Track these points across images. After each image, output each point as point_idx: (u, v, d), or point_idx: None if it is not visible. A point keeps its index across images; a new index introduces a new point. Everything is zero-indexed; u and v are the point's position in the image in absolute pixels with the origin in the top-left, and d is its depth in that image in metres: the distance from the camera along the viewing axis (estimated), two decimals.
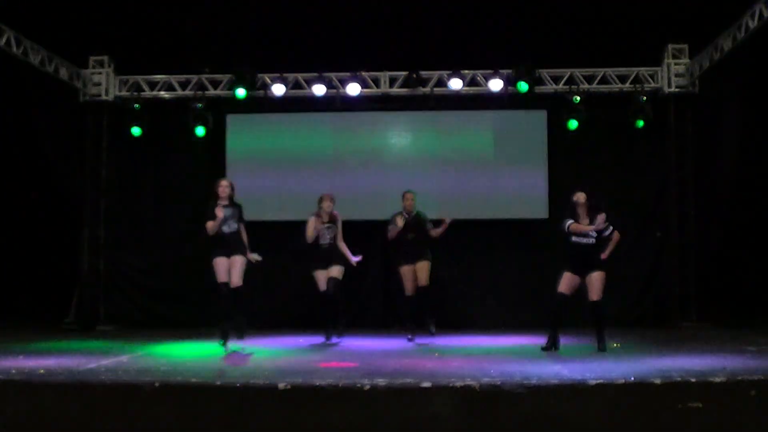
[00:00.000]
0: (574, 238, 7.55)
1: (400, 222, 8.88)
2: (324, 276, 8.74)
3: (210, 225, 8.16)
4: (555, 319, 7.64)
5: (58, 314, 10.99)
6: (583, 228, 7.51)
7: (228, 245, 8.16)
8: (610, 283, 10.54)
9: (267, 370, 6.06)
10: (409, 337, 8.79)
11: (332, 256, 8.76)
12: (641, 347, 7.63)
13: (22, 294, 13.39)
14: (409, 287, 8.97)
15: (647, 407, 4.63)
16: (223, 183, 8.40)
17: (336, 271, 8.75)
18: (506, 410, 4.61)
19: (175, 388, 4.80)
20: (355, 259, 8.91)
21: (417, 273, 8.91)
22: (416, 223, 9.01)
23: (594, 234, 7.49)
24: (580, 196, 7.60)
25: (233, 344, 8.01)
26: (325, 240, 8.78)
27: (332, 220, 8.83)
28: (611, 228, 7.54)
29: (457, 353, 7.44)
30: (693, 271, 11.00)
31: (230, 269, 8.15)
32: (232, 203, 8.31)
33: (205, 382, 4.91)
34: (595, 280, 7.46)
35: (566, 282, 7.56)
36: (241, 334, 8.10)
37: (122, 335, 9.89)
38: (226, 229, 8.18)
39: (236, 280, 8.12)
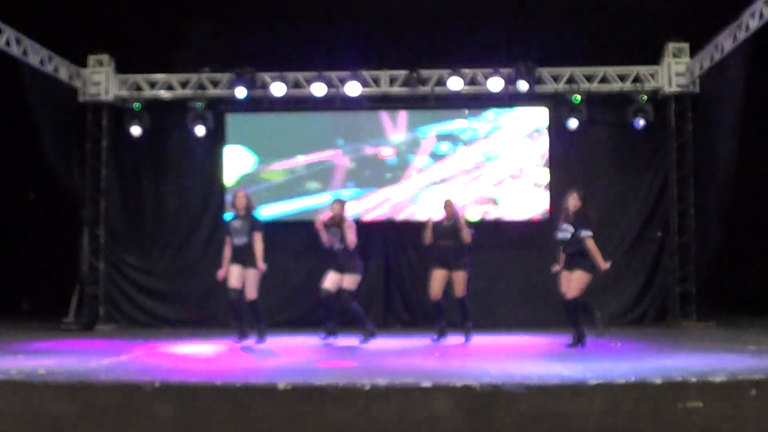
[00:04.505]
0: (558, 236, 7.70)
1: (427, 232, 8.91)
2: (332, 276, 8.65)
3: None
4: (570, 318, 7.75)
5: (57, 314, 10.98)
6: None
7: (239, 256, 8.31)
8: (610, 282, 10.69)
9: (267, 369, 6.06)
10: (435, 337, 8.76)
11: (342, 260, 8.62)
12: (642, 346, 7.63)
13: (22, 293, 13.41)
14: (434, 291, 8.80)
15: (647, 407, 4.63)
16: (238, 194, 8.54)
17: (348, 281, 8.59)
18: (506, 410, 4.61)
19: (175, 387, 4.80)
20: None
21: (453, 283, 8.83)
22: (454, 229, 8.84)
23: (570, 229, 7.55)
24: (573, 200, 7.65)
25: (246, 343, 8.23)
26: (335, 244, 8.67)
27: (338, 223, 8.67)
28: (588, 231, 7.52)
29: (458, 353, 7.44)
30: (693, 270, 11.00)
31: (244, 282, 8.31)
32: (248, 215, 8.39)
33: (205, 381, 4.91)
34: (574, 279, 7.57)
35: (563, 282, 7.74)
36: (262, 338, 8.39)
37: (122, 335, 9.89)
38: (237, 241, 8.33)
39: (250, 293, 8.31)
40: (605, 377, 4.86)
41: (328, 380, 4.80)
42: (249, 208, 8.44)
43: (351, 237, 8.56)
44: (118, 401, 4.74)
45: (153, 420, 4.68)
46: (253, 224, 8.38)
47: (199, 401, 4.71)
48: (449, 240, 8.82)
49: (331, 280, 8.62)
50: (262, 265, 8.27)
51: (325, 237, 8.68)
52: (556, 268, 7.88)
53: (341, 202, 8.83)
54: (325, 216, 8.86)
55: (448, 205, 8.99)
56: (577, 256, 7.58)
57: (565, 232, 7.61)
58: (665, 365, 5.70)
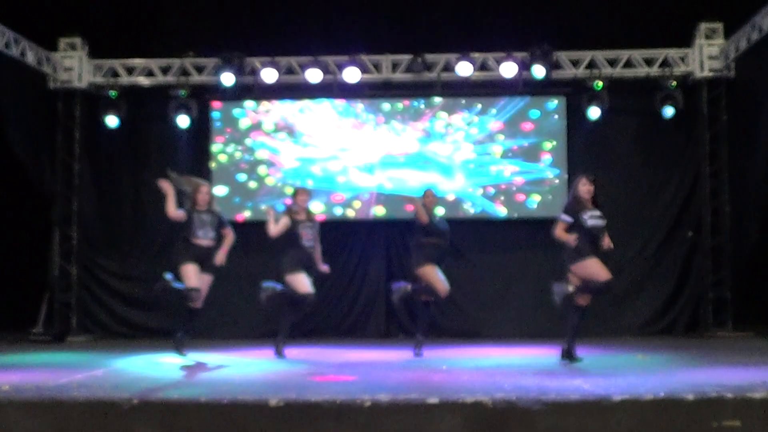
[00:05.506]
0: (589, 222, 7.37)
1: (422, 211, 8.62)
2: (307, 278, 8.40)
3: (170, 209, 8.24)
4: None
5: (25, 324, 10.98)
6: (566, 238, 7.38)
7: (201, 256, 8.23)
8: (636, 287, 10.73)
9: (257, 384, 6.04)
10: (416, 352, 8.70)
11: (313, 260, 8.44)
12: (671, 359, 7.63)
13: None
14: (444, 285, 8.56)
15: (679, 426, 4.62)
16: (204, 189, 8.45)
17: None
18: (521, 429, 4.60)
19: (155, 405, 4.79)
20: (324, 267, 8.56)
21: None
22: (441, 228, 8.70)
23: (599, 214, 7.35)
24: (583, 185, 7.50)
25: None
26: (309, 241, 8.42)
27: (312, 218, 8.52)
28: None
29: (467, 366, 7.43)
30: (728, 274, 11.00)
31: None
32: (211, 210, 8.38)
33: (188, 398, 4.90)
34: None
35: (599, 268, 7.31)
36: (179, 350, 8.29)
37: (96, 346, 9.90)
38: (203, 238, 8.24)
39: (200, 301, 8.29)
40: (631, 393, 4.85)
41: (324, 396, 4.79)
42: (211, 205, 8.44)
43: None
44: (92, 420, 4.73)
45: None
46: (222, 220, 8.42)
47: (181, 420, 4.70)
48: (445, 240, 8.68)
49: (309, 283, 8.40)
50: (223, 258, 8.28)
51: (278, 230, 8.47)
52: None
53: (308, 193, 8.70)
54: (292, 211, 8.57)
55: (427, 195, 8.81)
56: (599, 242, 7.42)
57: (597, 219, 7.35)
58: (698, 380, 5.69)
